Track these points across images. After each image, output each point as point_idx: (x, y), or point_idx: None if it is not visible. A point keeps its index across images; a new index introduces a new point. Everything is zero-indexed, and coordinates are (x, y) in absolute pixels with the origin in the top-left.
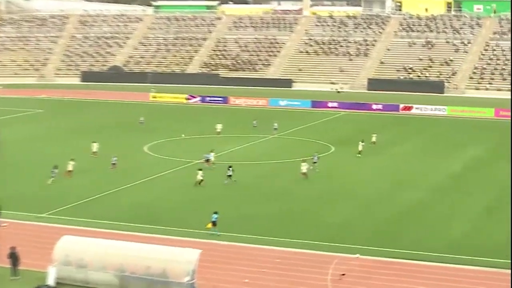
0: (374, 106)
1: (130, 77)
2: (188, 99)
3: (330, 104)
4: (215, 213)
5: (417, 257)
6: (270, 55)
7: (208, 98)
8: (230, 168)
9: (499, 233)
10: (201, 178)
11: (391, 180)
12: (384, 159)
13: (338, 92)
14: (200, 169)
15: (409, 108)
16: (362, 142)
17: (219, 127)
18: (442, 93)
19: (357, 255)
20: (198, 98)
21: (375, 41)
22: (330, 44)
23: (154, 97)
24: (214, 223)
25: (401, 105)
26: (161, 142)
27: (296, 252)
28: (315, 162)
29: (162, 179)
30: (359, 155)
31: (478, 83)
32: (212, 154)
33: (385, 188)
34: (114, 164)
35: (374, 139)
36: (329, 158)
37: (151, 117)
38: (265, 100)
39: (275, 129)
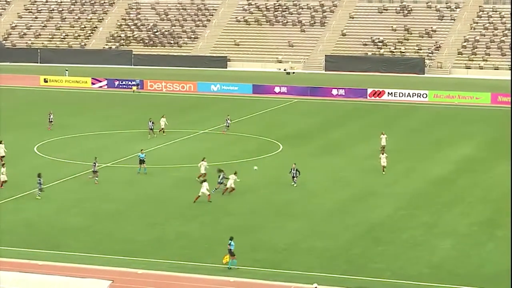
0: (334, 92)
1: (12, 55)
2: (92, 83)
3: (277, 89)
4: (231, 239)
5: (390, 286)
6: (198, 26)
7: (118, 82)
8: (222, 173)
9: (496, 255)
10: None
11: (353, 190)
12: (345, 161)
13: (288, 73)
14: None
15: (380, 94)
16: (383, 134)
17: (163, 122)
18: (423, 73)
19: (315, 285)
20: (105, 82)
21: (334, 6)
22: (276, 11)
23: (46, 81)
24: (231, 253)
25: (369, 90)
26: (56, 141)
27: (235, 281)
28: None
29: (58, 189)
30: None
31: (469, 61)
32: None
33: (346, 199)
34: None
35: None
36: (275, 160)
37: (43, 107)
38: (192, 84)
39: (227, 126)
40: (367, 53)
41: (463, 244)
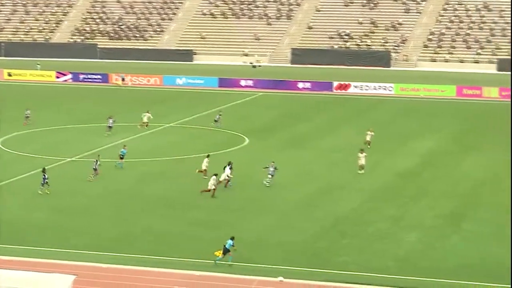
0: (300, 85)
1: None
2: (57, 77)
3: (243, 83)
4: (232, 239)
5: (355, 279)
6: (163, 19)
7: (83, 76)
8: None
9: (461, 248)
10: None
11: (320, 183)
12: (312, 154)
13: (254, 66)
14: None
15: (346, 87)
16: (371, 131)
17: (146, 117)
18: (388, 66)
19: (280, 278)
20: (69, 76)
21: None
22: (242, 4)
23: (10, 75)
24: (226, 250)
25: (335, 83)
26: (21, 135)
27: (201, 275)
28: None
29: (22, 184)
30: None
31: (435, 53)
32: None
33: (312, 193)
34: None
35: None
36: (241, 154)
37: (7, 102)
38: (158, 78)
39: (215, 120)
40: (333, 46)
41: (428, 237)
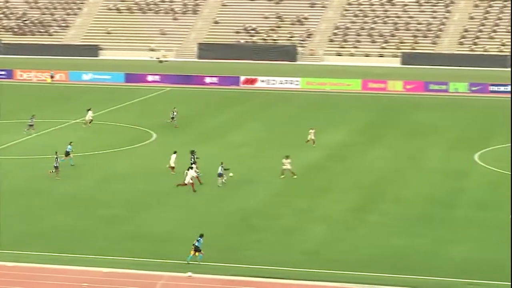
0: (207, 80)
1: None
2: None
3: (150, 78)
4: (201, 236)
5: (264, 273)
6: (68, 14)
7: None
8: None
9: (368, 240)
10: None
11: (228, 178)
12: (220, 149)
13: (160, 61)
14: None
15: (253, 81)
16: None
17: (89, 114)
18: (295, 61)
19: (189, 274)
20: None
21: None
22: None
23: None
24: (197, 249)
25: (242, 78)
26: None
27: (109, 272)
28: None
29: None
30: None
31: (341, 48)
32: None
33: (221, 188)
34: None
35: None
36: (148, 149)
37: None
38: (64, 74)
39: (172, 117)
40: (239, 41)
41: (336, 230)
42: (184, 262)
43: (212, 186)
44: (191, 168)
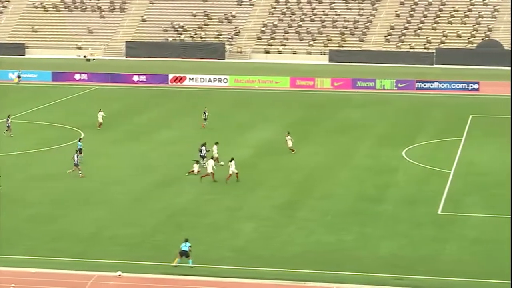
0: (135, 78)
1: None
2: None
3: (77, 76)
4: (186, 241)
5: (193, 271)
6: None
7: None
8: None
9: (297, 237)
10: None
11: (157, 176)
12: (149, 147)
13: (88, 60)
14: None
15: (181, 79)
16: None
17: (100, 116)
18: (223, 58)
19: (119, 273)
20: None
21: None
22: None
23: None
24: (182, 253)
25: (171, 76)
26: None
27: (37, 272)
28: None
29: None
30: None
31: (269, 45)
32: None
33: (150, 185)
34: None
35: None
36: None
37: None
38: None
39: (205, 119)
40: (167, 39)
41: (265, 227)
42: (113, 261)
43: (139, 185)
44: (207, 158)
